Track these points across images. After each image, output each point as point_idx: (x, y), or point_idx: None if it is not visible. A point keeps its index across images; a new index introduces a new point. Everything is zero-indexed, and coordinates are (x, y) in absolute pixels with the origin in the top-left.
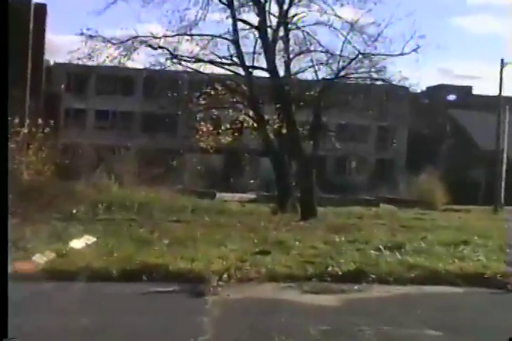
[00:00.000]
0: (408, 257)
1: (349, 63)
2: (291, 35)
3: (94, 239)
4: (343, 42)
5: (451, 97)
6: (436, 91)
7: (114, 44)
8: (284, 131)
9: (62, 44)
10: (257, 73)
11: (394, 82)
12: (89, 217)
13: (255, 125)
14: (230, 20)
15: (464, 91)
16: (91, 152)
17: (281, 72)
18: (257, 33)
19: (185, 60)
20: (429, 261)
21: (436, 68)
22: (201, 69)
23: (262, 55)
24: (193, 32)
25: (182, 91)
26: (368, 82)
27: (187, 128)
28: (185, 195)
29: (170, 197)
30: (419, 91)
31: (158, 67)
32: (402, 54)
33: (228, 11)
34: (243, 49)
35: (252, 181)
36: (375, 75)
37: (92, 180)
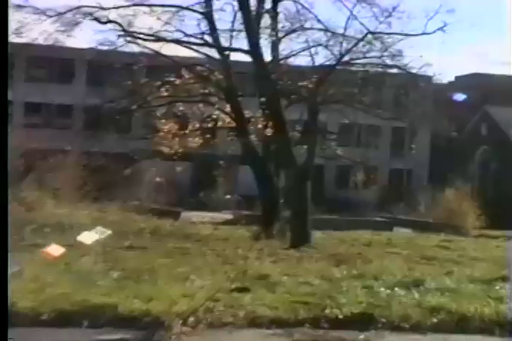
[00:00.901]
0: (429, 297)
1: (355, 45)
2: (280, 7)
3: (17, 269)
4: (348, 18)
5: (488, 89)
6: (469, 82)
7: (49, 17)
8: (270, 132)
9: None
10: (235, 57)
11: (413, 70)
12: (13, 242)
13: (233, 124)
14: None
15: (505, 82)
16: (17, 157)
17: (268, 56)
18: (236, 5)
19: (142, 39)
20: (457, 302)
21: (469, 52)
22: (163, 51)
23: (243, 34)
24: (153, 2)
25: (138, 79)
26: (380, 69)
27: (144, 128)
28: (141, 213)
29: (121, 216)
30: (446, 81)
31: (106, 48)
32: (424, 33)
33: None
34: (218, 25)
35: (228, 196)
36: (388, 61)
37: (18, 195)
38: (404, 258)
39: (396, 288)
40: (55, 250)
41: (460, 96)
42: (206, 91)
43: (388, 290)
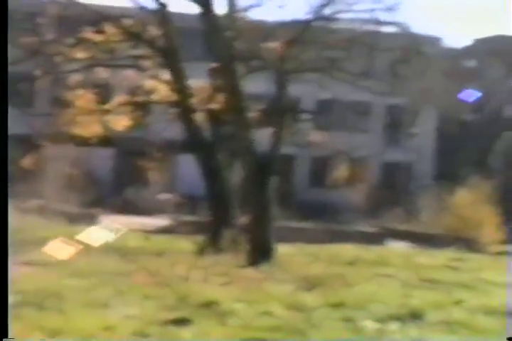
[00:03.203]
0: (431, 334)
1: None
2: None
3: None
4: None
5: None
6: (490, 47)
7: None
8: (221, 109)
9: None
10: (177, 7)
11: (414, 30)
12: None
13: (172, 98)
14: None
15: None
16: None
17: (222, 7)
18: None
19: None
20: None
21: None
22: None
23: None
24: None
25: (44, 33)
26: (371, 27)
27: (51, 101)
28: (46, 217)
29: (18, 220)
30: (460, 46)
31: None
32: None
33: None
34: None
35: (163, 196)
36: (382, 16)
37: None
38: (399, 281)
39: (387, 322)
40: None
41: (470, 94)
42: (137, 52)
43: (376, 324)
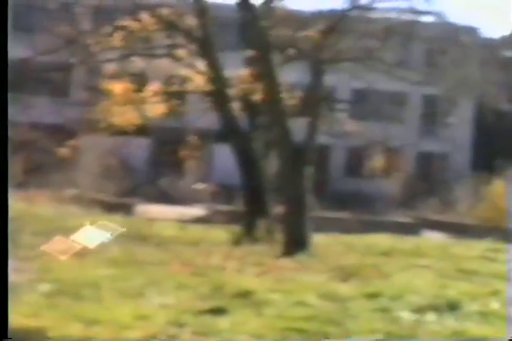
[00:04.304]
0: (469, 324)
1: None
2: None
3: None
4: None
5: None
6: None
7: None
8: (258, 99)
9: None
10: None
11: (452, 20)
12: None
13: (208, 87)
14: None
15: None
16: None
17: None
18: None
19: None
20: (506, 331)
21: None
22: None
23: None
24: None
25: (80, 23)
26: (408, 17)
27: (87, 90)
28: (81, 206)
29: (54, 209)
30: (498, 37)
31: None
32: None
33: None
34: None
35: (199, 185)
36: (419, 5)
37: None
38: (435, 272)
39: (424, 312)
40: None
41: None
42: (173, 42)
43: (413, 315)
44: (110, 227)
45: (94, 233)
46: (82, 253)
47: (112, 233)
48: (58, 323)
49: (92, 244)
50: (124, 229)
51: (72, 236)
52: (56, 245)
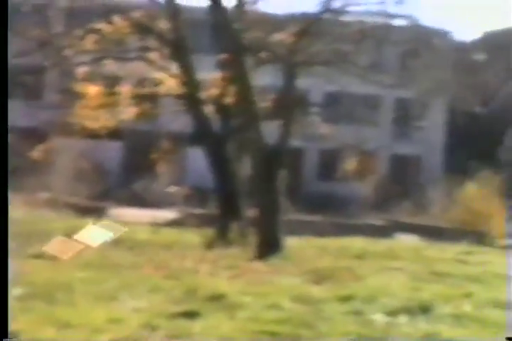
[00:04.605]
0: (441, 327)
1: None
2: None
3: None
4: None
5: None
6: (501, 41)
7: None
8: (231, 102)
9: None
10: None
11: (424, 23)
12: None
13: (181, 90)
14: None
15: None
16: None
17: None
18: None
19: None
20: (478, 334)
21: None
22: None
23: None
24: None
25: (52, 26)
26: (381, 20)
27: (60, 93)
28: (55, 209)
29: (26, 213)
30: (469, 40)
31: None
32: None
33: None
34: None
35: (172, 188)
36: (392, 9)
37: None
38: (408, 274)
39: (396, 315)
40: None
41: None
42: (145, 44)
43: (386, 317)
44: (113, 227)
45: (97, 232)
46: (56, 257)
47: (115, 232)
48: (31, 327)
49: (95, 243)
50: (126, 229)
51: (76, 236)
52: (57, 245)
